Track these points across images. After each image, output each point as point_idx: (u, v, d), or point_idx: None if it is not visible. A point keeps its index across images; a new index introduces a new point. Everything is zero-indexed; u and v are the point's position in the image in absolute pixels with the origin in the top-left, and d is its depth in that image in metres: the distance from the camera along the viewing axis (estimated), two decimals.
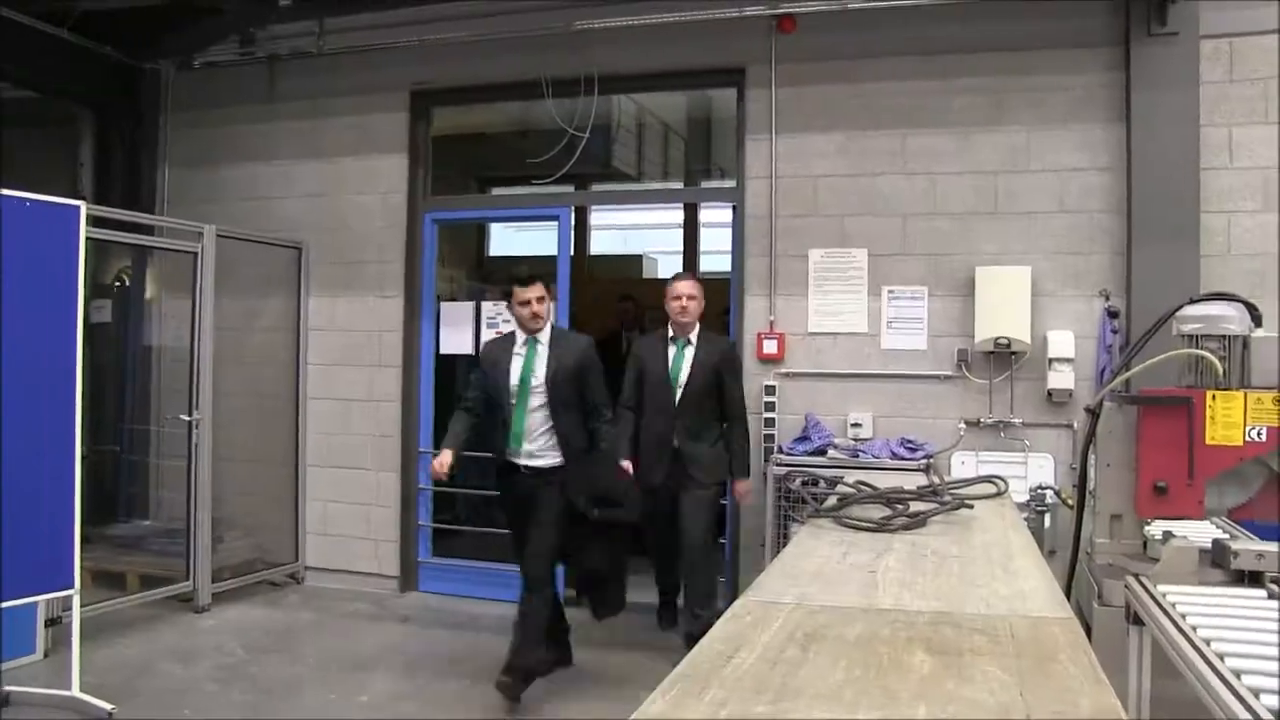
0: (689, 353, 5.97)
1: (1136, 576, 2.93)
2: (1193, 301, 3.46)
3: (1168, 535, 3.22)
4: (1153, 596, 2.72)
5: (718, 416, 6.00)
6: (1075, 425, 6.08)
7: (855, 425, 6.45)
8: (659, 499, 5.85)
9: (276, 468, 7.66)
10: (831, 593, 2.11)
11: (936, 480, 3.59)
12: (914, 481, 3.67)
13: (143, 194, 7.98)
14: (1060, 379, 6.10)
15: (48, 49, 7.25)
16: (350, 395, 7.61)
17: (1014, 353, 6.19)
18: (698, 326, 6.04)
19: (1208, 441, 3.16)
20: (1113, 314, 6.04)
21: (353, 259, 7.64)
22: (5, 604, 4.79)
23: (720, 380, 5.96)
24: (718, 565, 6.47)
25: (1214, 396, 3.17)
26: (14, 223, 4.89)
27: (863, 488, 3.48)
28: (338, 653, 5.97)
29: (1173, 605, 2.59)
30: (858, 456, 6.13)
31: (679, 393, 5.92)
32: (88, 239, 5.34)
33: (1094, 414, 3.46)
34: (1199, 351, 3.31)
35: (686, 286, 6.01)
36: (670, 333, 6.04)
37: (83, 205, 5.33)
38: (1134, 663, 2.83)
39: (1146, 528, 3.39)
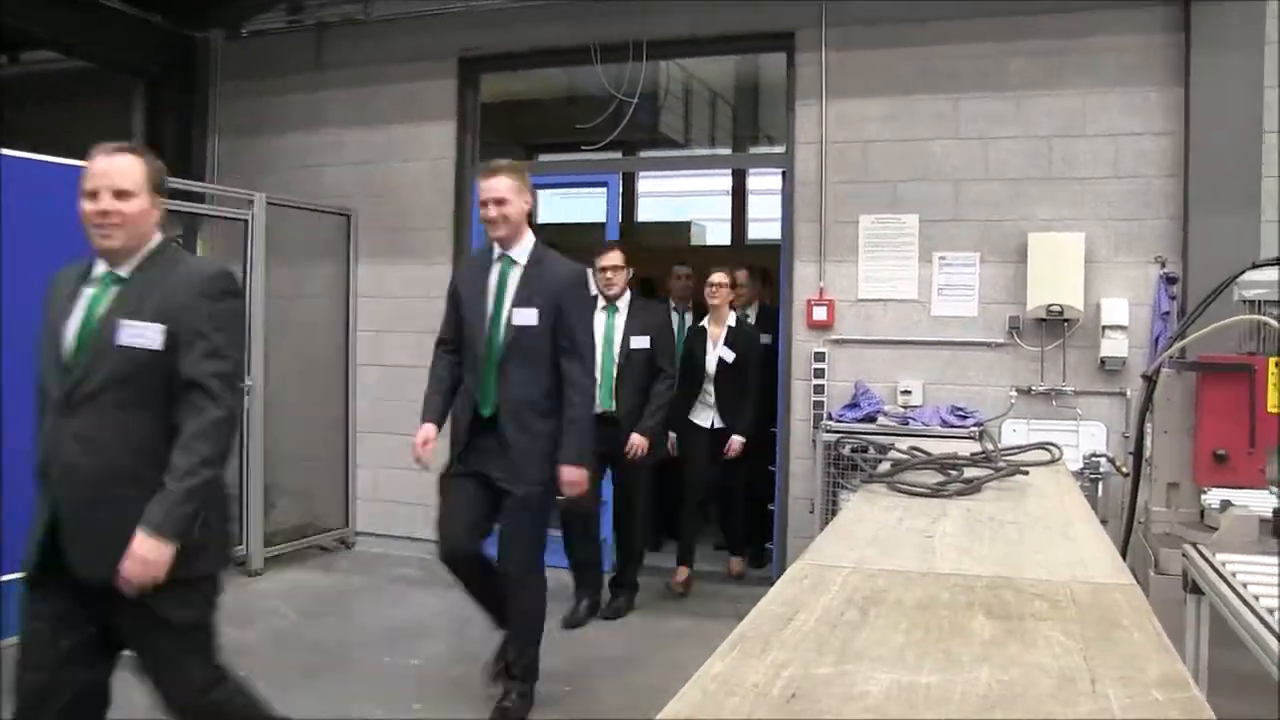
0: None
1: (1195, 545, 2.89)
2: (1255, 266, 3.39)
3: (1226, 504, 3.17)
4: (1212, 565, 2.69)
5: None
6: (1129, 393, 6.00)
7: (905, 392, 6.42)
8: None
9: (327, 434, 7.74)
10: (889, 557, 2.09)
11: (990, 447, 3.55)
12: (966, 448, 3.63)
13: (193, 163, 8.06)
14: (1114, 346, 6.03)
15: (99, 19, 7.30)
16: (399, 361, 7.63)
17: (1066, 320, 6.12)
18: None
19: (1270, 409, 3.11)
20: (1170, 280, 5.95)
21: (401, 226, 7.68)
22: None
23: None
24: None
25: (1277, 363, 3.11)
26: (72, 191, 4.94)
27: (916, 453, 3.45)
28: (389, 616, 6.05)
29: (1233, 574, 2.55)
30: (908, 424, 6.10)
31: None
32: None
33: (1151, 381, 3.41)
34: (1262, 317, 3.24)
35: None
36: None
37: None
38: (1191, 632, 2.80)
39: (1204, 496, 3.34)
